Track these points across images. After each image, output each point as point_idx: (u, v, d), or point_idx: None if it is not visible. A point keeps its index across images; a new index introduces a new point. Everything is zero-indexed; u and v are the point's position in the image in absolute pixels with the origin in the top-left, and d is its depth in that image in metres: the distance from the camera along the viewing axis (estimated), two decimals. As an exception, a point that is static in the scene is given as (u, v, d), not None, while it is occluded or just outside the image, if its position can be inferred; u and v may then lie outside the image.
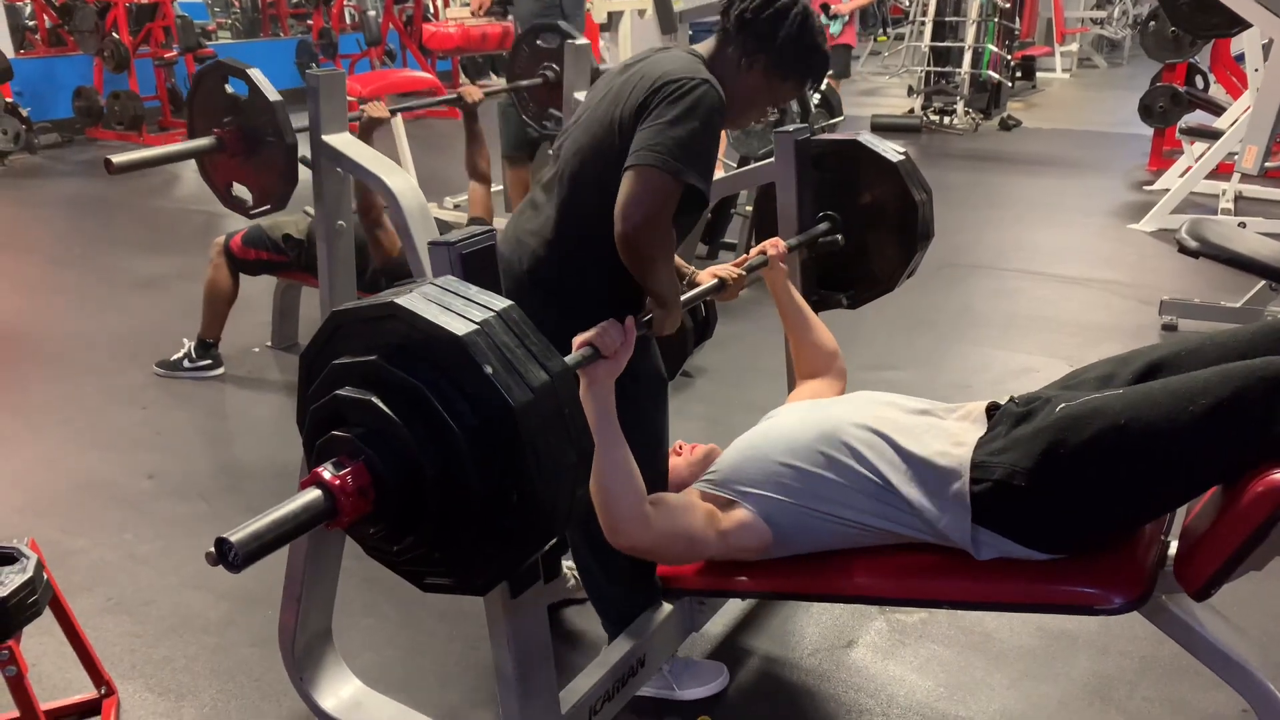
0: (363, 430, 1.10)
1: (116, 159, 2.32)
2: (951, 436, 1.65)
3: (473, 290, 1.17)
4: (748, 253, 2.14)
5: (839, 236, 2.32)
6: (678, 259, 2.12)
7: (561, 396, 1.14)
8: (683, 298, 1.85)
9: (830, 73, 7.33)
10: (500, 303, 1.16)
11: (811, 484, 1.67)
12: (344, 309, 1.16)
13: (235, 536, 0.97)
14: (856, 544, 1.70)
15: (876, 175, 2.30)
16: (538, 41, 3.89)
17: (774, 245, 2.13)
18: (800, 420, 1.78)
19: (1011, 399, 1.69)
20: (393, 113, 3.25)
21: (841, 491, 1.65)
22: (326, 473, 1.07)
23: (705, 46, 1.84)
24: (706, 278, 2.01)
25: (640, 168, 1.61)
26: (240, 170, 2.60)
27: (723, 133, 1.72)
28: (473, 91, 3.41)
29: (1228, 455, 1.40)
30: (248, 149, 2.55)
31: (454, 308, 1.12)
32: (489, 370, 1.06)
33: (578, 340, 1.52)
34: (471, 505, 1.10)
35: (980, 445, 1.61)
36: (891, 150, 2.30)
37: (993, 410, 1.70)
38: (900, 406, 1.76)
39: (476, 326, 1.09)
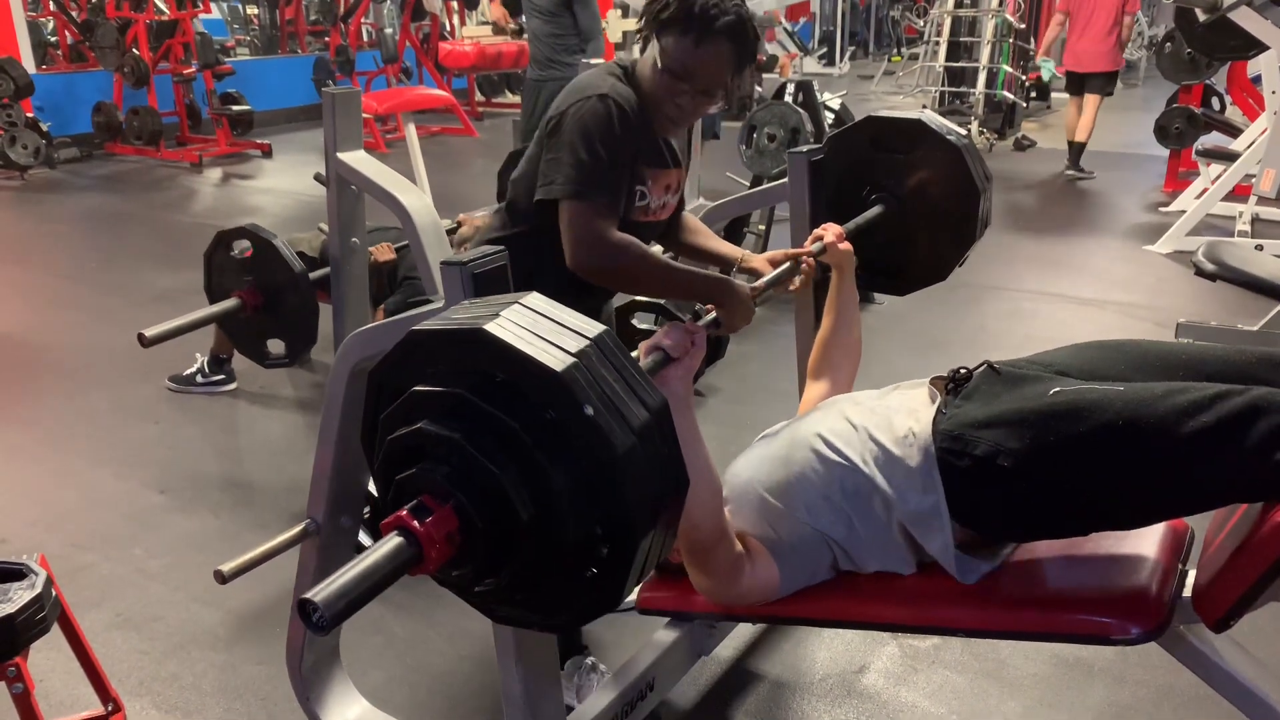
0: (449, 470, 1.01)
1: (148, 332, 2.35)
2: (913, 413, 1.62)
3: (564, 313, 1.06)
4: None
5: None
6: (726, 245, 2.09)
7: (660, 436, 1.05)
8: (753, 285, 1.79)
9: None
10: (594, 328, 1.05)
11: (793, 491, 1.62)
12: (423, 329, 1.06)
13: (319, 596, 0.89)
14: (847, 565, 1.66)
15: (938, 158, 2.18)
16: None
17: (829, 229, 2.01)
18: (775, 435, 1.77)
19: (988, 363, 1.65)
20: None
21: (814, 492, 1.61)
22: (412, 518, 0.98)
23: (634, 58, 1.82)
24: (762, 264, 1.93)
25: (559, 202, 1.69)
26: (266, 321, 2.68)
27: (697, 128, 1.75)
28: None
29: (1218, 479, 1.36)
30: (267, 299, 2.64)
31: (546, 334, 1.02)
32: (590, 412, 0.97)
33: (643, 346, 1.47)
34: (563, 551, 1.02)
35: (951, 412, 1.56)
36: (954, 132, 2.19)
37: (949, 384, 1.65)
38: (872, 396, 1.75)
39: (574, 359, 0.99)
